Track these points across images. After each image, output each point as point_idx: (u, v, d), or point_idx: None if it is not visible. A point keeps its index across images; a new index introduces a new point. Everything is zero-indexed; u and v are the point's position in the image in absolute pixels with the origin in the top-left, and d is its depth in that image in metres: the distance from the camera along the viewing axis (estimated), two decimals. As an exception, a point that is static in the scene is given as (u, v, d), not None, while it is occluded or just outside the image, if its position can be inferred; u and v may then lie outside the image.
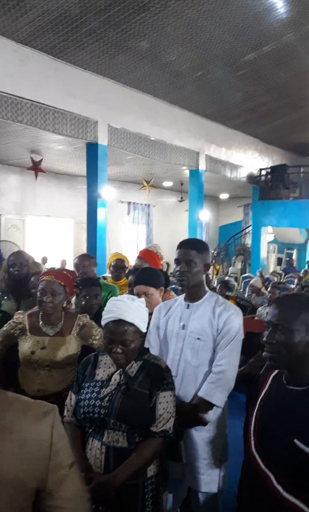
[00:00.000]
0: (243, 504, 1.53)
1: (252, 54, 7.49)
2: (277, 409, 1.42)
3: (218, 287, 6.37)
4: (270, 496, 1.34)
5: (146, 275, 2.73)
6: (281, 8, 6.30)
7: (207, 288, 2.36)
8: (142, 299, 1.95)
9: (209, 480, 2.21)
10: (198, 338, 2.23)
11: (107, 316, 1.80)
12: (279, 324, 1.39)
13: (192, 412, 2.08)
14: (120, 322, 1.77)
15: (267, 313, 2.71)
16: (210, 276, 10.54)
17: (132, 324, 1.78)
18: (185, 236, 12.82)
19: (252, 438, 1.46)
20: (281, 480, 1.33)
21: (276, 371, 1.51)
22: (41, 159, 9.00)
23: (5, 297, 3.24)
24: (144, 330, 1.85)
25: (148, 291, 2.64)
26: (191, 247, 2.26)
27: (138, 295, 2.61)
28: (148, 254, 3.80)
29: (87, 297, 2.95)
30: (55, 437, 1.10)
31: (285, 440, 1.35)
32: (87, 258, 3.68)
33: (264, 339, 1.42)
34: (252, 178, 12.52)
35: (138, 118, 8.18)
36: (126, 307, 1.78)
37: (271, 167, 12.97)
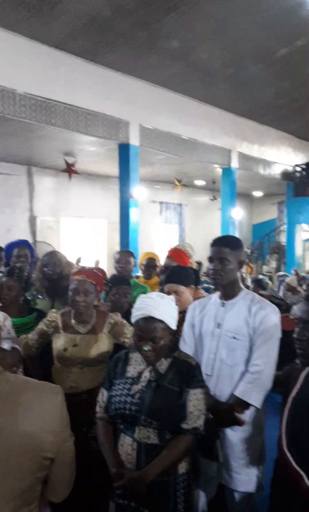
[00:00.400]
0: (275, 503, 1.52)
1: (284, 49, 7.35)
2: (309, 408, 1.40)
3: (252, 286, 6.31)
4: (302, 495, 1.33)
5: (176, 274, 2.73)
6: (314, 1, 6.16)
7: (242, 286, 2.33)
8: (172, 296, 1.96)
9: (247, 480, 2.19)
10: (234, 337, 2.20)
11: (136, 313, 1.83)
12: None
13: (228, 411, 2.07)
14: (149, 319, 1.79)
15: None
16: (244, 275, 10.43)
17: (161, 321, 1.79)
18: (218, 234, 12.70)
19: (284, 437, 1.45)
20: (313, 479, 1.32)
21: (308, 369, 1.49)
22: (75, 161, 9.14)
23: (40, 296, 3.32)
24: (173, 327, 1.86)
25: (179, 290, 2.64)
26: (224, 245, 2.23)
27: (169, 294, 2.62)
28: (176, 253, 3.80)
29: (116, 296, 2.98)
30: (64, 412, 1.28)
31: None
32: (129, 255, 3.72)
33: (294, 335, 1.41)
34: (286, 175, 12.29)
35: (169, 118, 8.18)
36: (156, 304, 1.79)
37: (306, 163, 12.67)
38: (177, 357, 1.88)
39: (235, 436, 2.19)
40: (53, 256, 3.28)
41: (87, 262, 10.77)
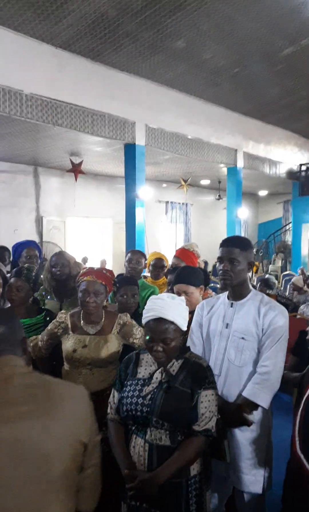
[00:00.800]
0: (287, 505, 1.52)
1: (289, 48, 7.33)
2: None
3: (258, 285, 6.29)
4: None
5: (186, 274, 2.73)
6: (320, 0, 6.14)
7: (251, 287, 2.33)
8: (182, 297, 1.96)
9: (253, 480, 2.20)
10: (242, 338, 2.20)
11: (147, 314, 1.82)
12: None
13: (236, 412, 2.08)
14: (160, 321, 1.79)
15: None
16: (250, 274, 10.40)
17: (172, 323, 1.79)
18: (224, 234, 12.71)
19: (297, 438, 1.45)
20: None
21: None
22: (81, 161, 9.16)
23: (48, 297, 3.32)
24: (184, 328, 1.86)
25: (188, 290, 2.64)
26: (234, 245, 2.22)
27: (178, 294, 2.62)
28: (184, 253, 3.80)
29: (124, 296, 2.98)
30: (91, 415, 1.33)
31: None
32: (141, 256, 3.72)
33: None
34: (291, 174, 12.26)
35: (175, 118, 8.18)
36: (167, 306, 1.79)
37: (312, 162, 12.65)
38: (188, 358, 1.88)
39: (242, 436, 2.20)
40: (61, 256, 3.28)
41: (93, 262, 10.81)
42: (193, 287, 2.66)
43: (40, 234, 10.65)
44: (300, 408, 1.48)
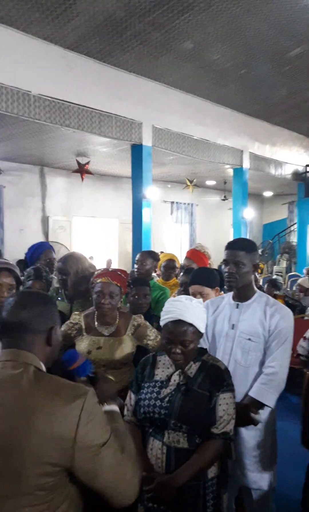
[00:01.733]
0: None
1: (297, 49, 7.32)
2: None
3: (265, 286, 6.29)
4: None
5: (202, 275, 2.75)
6: (328, 0, 6.13)
7: (255, 289, 2.36)
8: (200, 299, 1.97)
9: (259, 477, 2.24)
10: (249, 339, 2.24)
11: (166, 316, 1.83)
12: None
13: (243, 412, 2.10)
14: (179, 323, 1.79)
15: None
16: (257, 276, 10.39)
17: (191, 325, 1.80)
18: (229, 235, 12.71)
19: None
20: None
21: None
22: (88, 162, 9.18)
23: (59, 298, 3.32)
24: (203, 331, 1.86)
25: (204, 291, 2.66)
26: (239, 248, 2.26)
27: (194, 295, 2.63)
28: (196, 254, 3.81)
29: (136, 296, 2.98)
30: (83, 420, 1.17)
31: None
32: (147, 256, 3.69)
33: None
34: (297, 175, 12.24)
35: (182, 118, 8.18)
36: (185, 308, 1.79)
37: (317, 163, 12.63)
38: (205, 361, 1.89)
39: (248, 435, 2.24)
40: (66, 262, 3.16)
41: (99, 261, 10.80)
42: (209, 288, 2.68)
43: (46, 234, 10.67)
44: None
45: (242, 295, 2.31)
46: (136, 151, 7.56)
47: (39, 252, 3.60)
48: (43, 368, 1.32)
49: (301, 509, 1.54)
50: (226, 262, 2.28)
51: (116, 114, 7.01)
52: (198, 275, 2.76)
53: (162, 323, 1.86)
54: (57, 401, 1.19)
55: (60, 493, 1.22)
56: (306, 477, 1.54)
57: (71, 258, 3.18)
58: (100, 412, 1.25)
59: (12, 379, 1.22)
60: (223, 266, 2.33)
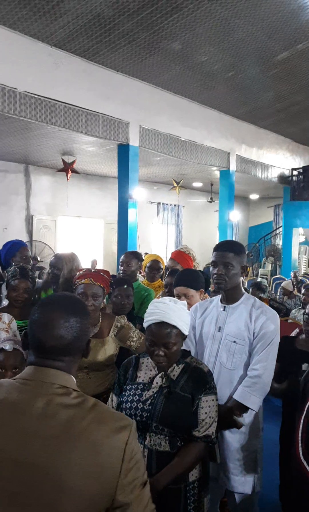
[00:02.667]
0: (289, 510, 1.50)
1: (285, 52, 7.37)
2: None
3: (250, 289, 6.31)
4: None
5: (187, 277, 2.73)
6: (316, 5, 6.18)
7: (243, 291, 2.35)
8: (184, 301, 1.94)
9: (243, 481, 2.23)
10: (234, 341, 2.23)
11: (150, 318, 1.80)
12: None
13: (227, 414, 2.09)
14: (163, 325, 1.77)
15: (305, 314, 2.65)
16: (242, 278, 10.43)
17: (174, 327, 1.77)
18: (215, 236, 12.75)
19: (300, 445, 1.44)
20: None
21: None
22: (74, 161, 9.11)
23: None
24: (186, 333, 1.84)
25: (189, 293, 2.64)
26: (228, 250, 2.25)
27: (178, 297, 2.61)
28: (180, 256, 3.79)
29: (118, 297, 2.95)
30: (127, 454, 1.07)
31: None
32: (132, 257, 3.64)
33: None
34: (283, 178, 12.34)
35: (169, 119, 8.18)
36: (169, 310, 1.77)
37: (303, 167, 12.74)
38: (189, 363, 1.86)
39: (232, 438, 2.23)
40: (61, 258, 3.17)
41: (84, 262, 10.76)
42: (193, 290, 2.67)
43: (30, 233, 10.57)
44: (303, 416, 1.47)
45: (230, 297, 2.30)
46: (123, 151, 7.53)
47: (15, 250, 3.53)
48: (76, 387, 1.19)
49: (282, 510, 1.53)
50: (214, 263, 2.27)
51: (103, 113, 6.97)
52: (183, 277, 2.74)
53: (145, 324, 1.83)
54: (103, 431, 1.07)
55: None
56: (282, 478, 1.53)
57: (67, 256, 3.19)
58: (139, 446, 1.16)
59: (52, 405, 1.10)
60: (211, 268, 2.32)
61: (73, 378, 1.17)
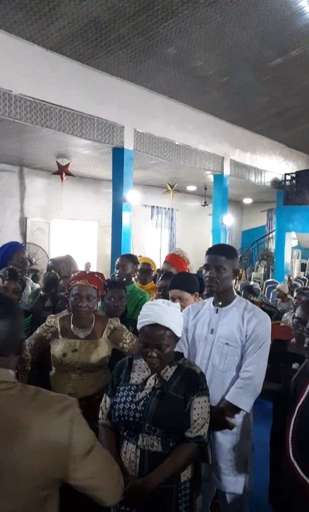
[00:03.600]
0: (279, 511, 1.53)
1: (279, 59, 7.45)
2: (317, 416, 1.42)
3: (242, 292, 6.34)
4: (309, 504, 1.34)
5: (182, 280, 2.76)
6: (310, 13, 6.26)
7: (235, 294, 2.38)
8: (178, 303, 1.97)
9: (234, 481, 2.25)
10: (227, 343, 2.25)
11: (143, 320, 1.82)
12: None
13: (219, 415, 2.11)
14: (156, 326, 1.79)
15: (293, 317, 2.69)
16: (234, 281, 10.47)
17: (168, 329, 1.79)
18: (208, 240, 12.80)
19: (290, 445, 1.46)
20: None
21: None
22: (68, 163, 9.12)
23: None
24: (179, 335, 1.86)
25: (183, 296, 2.67)
26: (220, 253, 2.28)
27: (173, 299, 2.64)
28: (175, 259, 3.82)
29: (111, 299, 2.97)
30: (74, 432, 1.18)
31: None
32: (127, 260, 3.67)
33: (306, 345, 1.43)
34: (276, 183, 12.43)
35: (164, 123, 8.22)
36: (162, 312, 1.79)
37: (296, 172, 12.84)
38: (181, 365, 1.88)
39: (224, 439, 2.25)
40: (59, 262, 3.24)
41: (77, 264, 10.71)
42: (188, 293, 2.70)
43: (24, 235, 10.55)
44: (294, 416, 1.49)
45: (222, 300, 2.33)
46: (118, 154, 7.56)
47: (11, 252, 3.54)
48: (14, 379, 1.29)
49: (272, 511, 1.55)
50: (207, 266, 2.30)
51: (98, 117, 7.00)
52: (178, 280, 2.77)
53: (138, 326, 1.85)
54: (49, 415, 1.18)
55: (52, 506, 1.22)
56: (273, 478, 1.56)
57: (65, 260, 3.21)
58: (84, 420, 1.26)
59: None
60: (203, 271, 2.34)
61: (11, 371, 1.26)
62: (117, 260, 3.68)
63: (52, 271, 3.24)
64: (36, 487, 1.15)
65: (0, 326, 1.22)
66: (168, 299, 2.61)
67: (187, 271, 3.58)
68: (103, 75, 7.08)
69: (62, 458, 1.17)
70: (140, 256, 7.17)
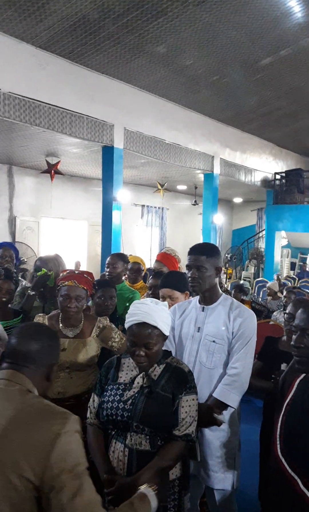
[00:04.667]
0: (268, 508, 1.53)
1: (268, 58, 7.48)
2: (303, 413, 1.43)
3: (233, 291, 6.37)
4: (297, 500, 1.34)
5: (172, 279, 2.76)
6: (299, 13, 6.28)
7: (221, 291, 2.39)
8: (165, 302, 1.97)
9: (223, 477, 2.26)
10: (213, 341, 2.27)
11: (131, 319, 1.82)
12: (308, 328, 1.40)
13: (207, 412, 2.12)
14: (144, 325, 1.79)
15: (285, 313, 2.70)
16: (223, 280, 10.51)
17: (155, 327, 1.79)
18: (199, 239, 12.81)
19: (278, 442, 1.47)
20: (308, 484, 1.33)
21: (303, 375, 1.52)
22: (58, 162, 9.08)
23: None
24: (167, 334, 1.86)
25: (174, 295, 2.68)
26: (200, 253, 2.30)
27: (163, 298, 2.64)
28: (166, 257, 3.82)
29: (102, 298, 2.96)
30: (62, 439, 1.19)
31: None
32: (117, 259, 3.64)
33: (293, 343, 1.43)
34: (266, 182, 12.48)
35: (154, 122, 8.21)
36: (150, 310, 1.79)
37: (286, 171, 12.92)
38: (169, 363, 1.88)
39: (212, 435, 2.26)
40: (48, 262, 3.23)
41: (67, 263, 10.66)
42: (178, 292, 2.70)
43: (13, 235, 10.47)
44: (281, 413, 1.50)
45: (208, 298, 2.34)
46: (108, 153, 7.54)
47: None
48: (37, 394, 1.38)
49: (260, 508, 1.56)
50: (188, 267, 2.32)
51: (87, 115, 6.97)
52: (168, 279, 2.78)
53: (126, 325, 1.85)
54: (44, 419, 1.23)
55: None
56: (262, 475, 1.56)
57: (53, 259, 3.22)
58: (79, 441, 1.26)
59: (7, 395, 1.29)
60: (186, 271, 2.35)
61: (30, 382, 1.36)
62: (108, 258, 3.67)
63: (43, 269, 3.22)
64: (15, 484, 1.14)
65: (40, 343, 1.39)
66: (158, 298, 2.61)
67: (178, 269, 3.58)
68: (93, 73, 7.06)
69: (42, 460, 1.15)
70: (130, 255, 7.17)
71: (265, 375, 2.64)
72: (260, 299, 8.44)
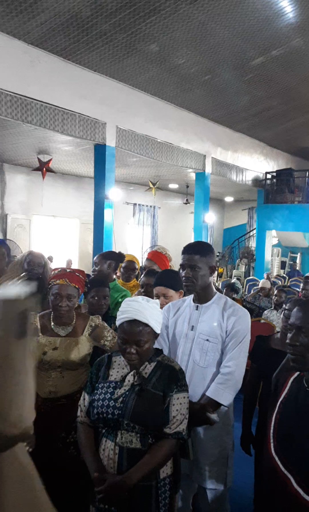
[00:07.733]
0: (261, 506, 1.54)
1: (260, 58, 7.51)
2: (297, 412, 1.44)
3: (224, 290, 6.39)
4: (290, 499, 1.35)
5: (167, 277, 2.76)
6: (290, 13, 6.32)
7: (215, 290, 2.39)
8: (157, 300, 1.97)
9: (216, 476, 2.26)
10: (207, 340, 2.26)
11: (122, 316, 1.82)
12: (303, 326, 1.41)
13: (200, 411, 2.12)
14: (135, 323, 1.79)
15: (283, 310, 2.71)
16: (214, 278, 10.54)
17: (146, 325, 1.79)
18: (190, 238, 12.84)
19: (272, 440, 1.47)
20: (301, 483, 1.34)
21: (296, 373, 1.53)
22: (49, 160, 9.04)
23: None
24: (158, 331, 1.86)
25: (168, 293, 2.67)
26: (194, 252, 2.28)
27: (157, 297, 2.63)
28: (157, 256, 3.81)
29: (95, 298, 2.95)
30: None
31: (306, 443, 1.36)
32: (105, 258, 3.60)
33: (288, 341, 1.44)
34: (257, 182, 12.54)
35: (146, 120, 8.21)
36: (141, 308, 1.79)
37: (277, 171, 12.98)
38: (160, 361, 1.89)
39: (205, 434, 2.26)
40: (40, 257, 3.25)
41: (59, 261, 10.62)
42: (173, 291, 2.70)
43: (4, 232, 10.42)
44: (275, 412, 1.51)
45: (202, 297, 2.34)
46: (100, 151, 7.52)
47: None
48: None
49: (253, 507, 1.57)
50: (182, 266, 2.31)
51: (79, 113, 6.95)
52: (163, 277, 2.77)
53: (117, 323, 1.85)
54: None
55: None
56: (257, 474, 1.57)
57: (43, 257, 3.22)
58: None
59: None
60: (180, 271, 2.35)
61: None
62: (95, 258, 3.67)
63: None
64: None
65: None
66: (150, 296, 2.61)
67: (170, 268, 3.59)
68: (85, 71, 7.03)
69: None
70: (127, 253, 7.17)
71: (258, 373, 2.66)
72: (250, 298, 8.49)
